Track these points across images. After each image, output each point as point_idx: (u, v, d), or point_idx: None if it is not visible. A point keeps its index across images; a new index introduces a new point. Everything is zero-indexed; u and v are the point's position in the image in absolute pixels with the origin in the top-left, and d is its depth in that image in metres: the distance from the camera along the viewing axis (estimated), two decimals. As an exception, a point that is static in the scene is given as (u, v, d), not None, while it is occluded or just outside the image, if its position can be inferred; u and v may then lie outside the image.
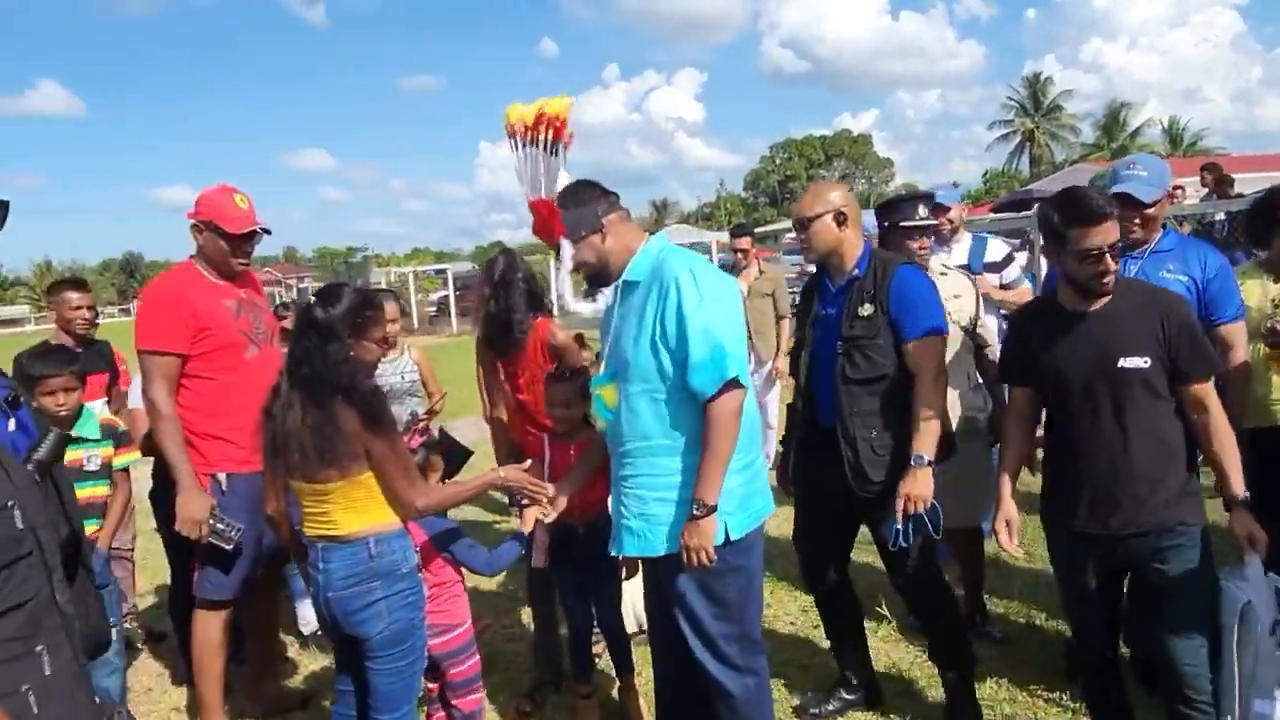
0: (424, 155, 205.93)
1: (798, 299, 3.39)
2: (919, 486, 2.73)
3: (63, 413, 3.11)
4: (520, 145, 2.34)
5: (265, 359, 3.18)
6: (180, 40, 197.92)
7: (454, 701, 2.94)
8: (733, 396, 2.32)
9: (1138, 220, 2.90)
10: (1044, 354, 2.49)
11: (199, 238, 3.13)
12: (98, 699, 2.84)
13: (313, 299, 2.54)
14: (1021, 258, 12.47)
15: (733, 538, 2.41)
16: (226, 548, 3.04)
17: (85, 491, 3.12)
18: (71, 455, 3.03)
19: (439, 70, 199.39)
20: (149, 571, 4.91)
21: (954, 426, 3.37)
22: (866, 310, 2.82)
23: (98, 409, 4.20)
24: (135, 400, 3.36)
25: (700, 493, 2.33)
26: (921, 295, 2.84)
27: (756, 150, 70.17)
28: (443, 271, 30.13)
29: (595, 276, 2.51)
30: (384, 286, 29.27)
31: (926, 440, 2.74)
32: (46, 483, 1.58)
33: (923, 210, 3.42)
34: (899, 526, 2.77)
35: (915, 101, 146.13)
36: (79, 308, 4.30)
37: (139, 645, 4.39)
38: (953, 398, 3.40)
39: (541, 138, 2.38)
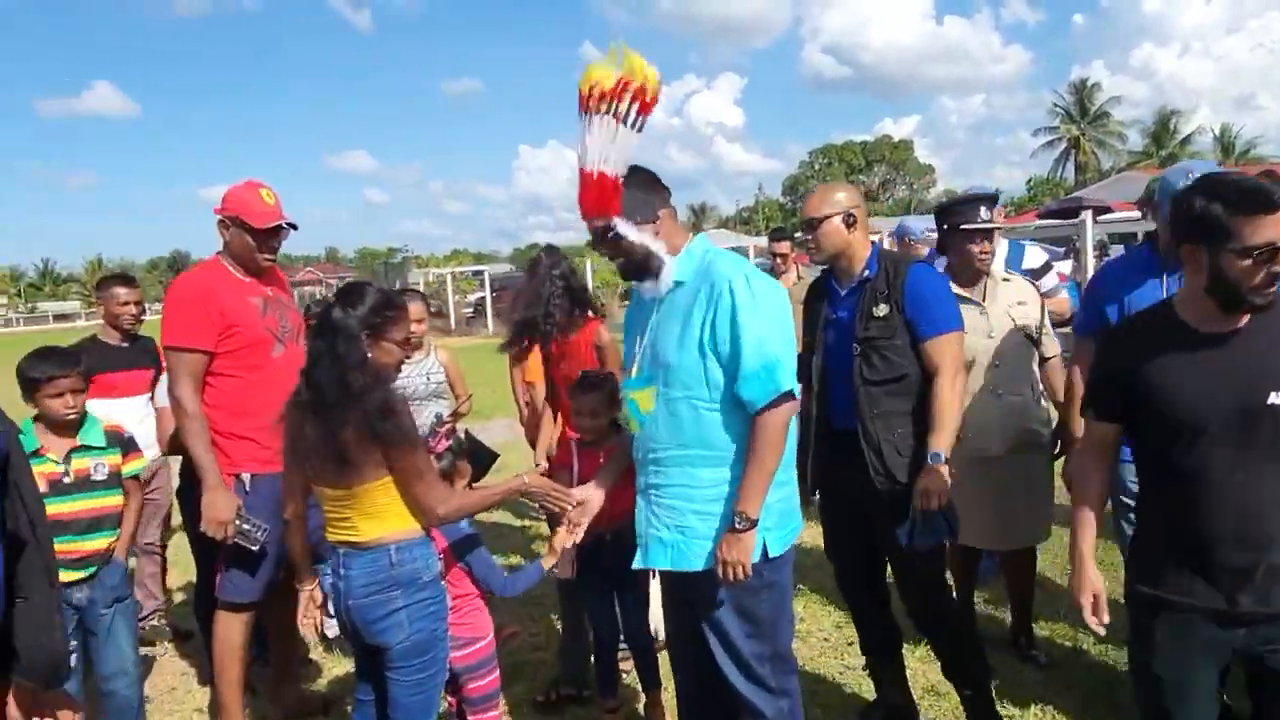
0: (464, 157, 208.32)
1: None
2: (936, 482, 2.67)
3: (71, 416, 2.91)
4: (592, 109, 2.16)
5: (291, 357, 3.09)
6: (230, 42, 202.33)
7: (471, 718, 2.85)
8: (785, 409, 2.25)
9: None
10: (1160, 385, 1.94)
11: (225, 233, 3.09)
12: (113, 708, 2.81)
13: (333, 298, 2.46)
14: (1064, 266, 12.28)
15: (770, 554, 2.33)
16: (252, 549, 2.99)
17: (96, 502, 2.95)
18: (78, 464, 2.93)
19: (479, 73, 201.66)
20: (180, 567, 4.90)
21: (1016, 438, 3.30)
22: (882, 310, 2.76)
23: (130, 409, 4.22)
24: (163, 398, 3.32)
25: (743, 505, 2.24)
26: (936, 293, 2.81)
27: (795, 155, 70.02)
28: (480, 273, 30.27)
29: (633, 270, 2.37)
30: (418, 287, 29.57)
31: (944, 437, 2.69)
32: (12, 495, 1.52)
33: (985, 212, 3.29)
34: (918, 523, 2.70)
35: (958, 107, 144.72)
36: (126, 303, 4.32)
37: (166, 643, 4.38)
38: (1014, 407, 3.31)
39: (622, 107, 2.18)
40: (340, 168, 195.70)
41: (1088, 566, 2.14)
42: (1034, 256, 4.28)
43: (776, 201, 67.88)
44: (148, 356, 4.33)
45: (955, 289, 3.31)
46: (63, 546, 2.75)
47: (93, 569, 2.94)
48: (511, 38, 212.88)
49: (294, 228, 3.16)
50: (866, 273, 2.81)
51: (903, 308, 2.74)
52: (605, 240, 2.31)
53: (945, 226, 3.37)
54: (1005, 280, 3.43)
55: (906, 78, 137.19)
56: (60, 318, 53.32)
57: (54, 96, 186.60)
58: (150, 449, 4.17)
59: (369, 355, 2.37)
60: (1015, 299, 3.37)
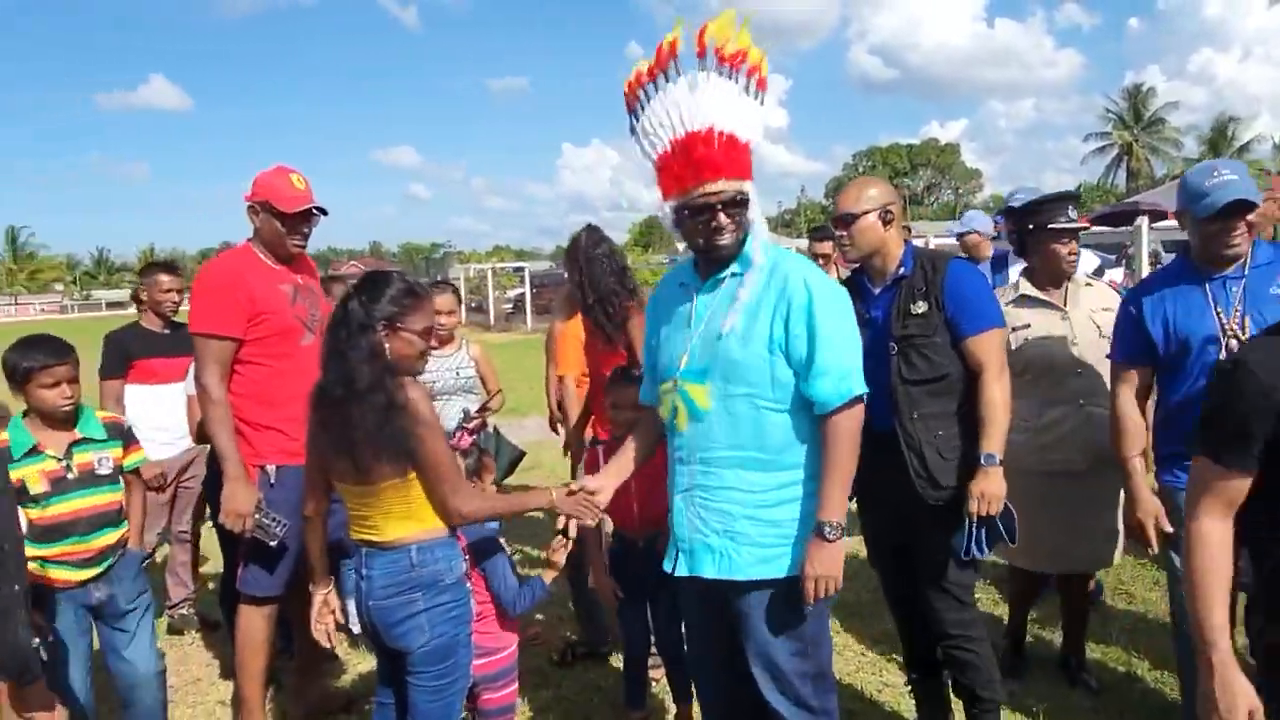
0: (508, 155, 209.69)
1: None
2: (992, 485, 2.54)
3: (67, 407, 2.71)
4: (710, 65, 2.05)
5: (320, 347, 3.06)
6: (281, 38, 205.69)
7: None
8: (857, 412, 2.16)
9: (1241, 230, 2.53)
10: None
11: (255, 219, 3.03)
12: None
13: (351, 289, 2.36)
14: (1115, 274, 11.90)
15: None
16: (270, 544, 2.92)
17: (102, 498, 2.78)
18: (81, 458, 2.75)
19: (525, 71, 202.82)
20: (215, 557, 4.88)
21: (1099, 452, 3.03)
22: (920, 308, 2.64)
23: (169, 395, 4.21)
24: (193, 386, 3.27)
25: (828, 514, 2.14)
26: (977, 290, 2.69)
27: (839, 158, 69.41)
28: (521, 269, 30.34)
29: (728, 249, 2.16)
30: (459, 282, 29.72)
31: (996, 438, 2.57)
32: None
33: (1071, 211, 3.14)
34: (974, 531, 2.56)
35: (1008, 111, 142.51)
36: (168, 290, 4.34)
37: (194, 632, 4.36)
38: (1098, 419, 3.05)
39: (740, 74, 2.08)
40: (386, 163, 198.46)
41: (1237, 679, 1.60)
42: (1086, 262, 4.12)
43: (819, 204, 67.31)
44: (188, 344, 4.30)
45: (1035, 292, 3.22)
46: (70, 547, 2.69)
47: (107, 562, 2.79)
48: (557, 35, 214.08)
49: (323, 213, 3.08)
50: (902, 270, 2.71)
51: (942, 305, 2.63)
52: (732, 206, 2.10)
53: (1031, 226, 3.20)
54: (1088, 285, 3.27)
55: (955, 80, 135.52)
56: (113, 305, 54.47)
57: (111, 91, 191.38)
58: (186, 437, 4.16)
59: (386, 347, 2.26)
60: (1099, 304, 3.20)
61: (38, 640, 1.62)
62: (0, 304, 59.92)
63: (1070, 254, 3.16)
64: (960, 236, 5.28)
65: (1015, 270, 3.97)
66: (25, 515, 2.61)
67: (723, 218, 2.10)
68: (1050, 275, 3.21)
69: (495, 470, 2.93)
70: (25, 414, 2.75)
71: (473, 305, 28.94)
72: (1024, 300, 3.23)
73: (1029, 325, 3.18)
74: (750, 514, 2.18)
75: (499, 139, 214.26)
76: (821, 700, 2.30)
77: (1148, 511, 2.64)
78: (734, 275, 2.20)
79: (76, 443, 2.76)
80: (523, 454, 4.02)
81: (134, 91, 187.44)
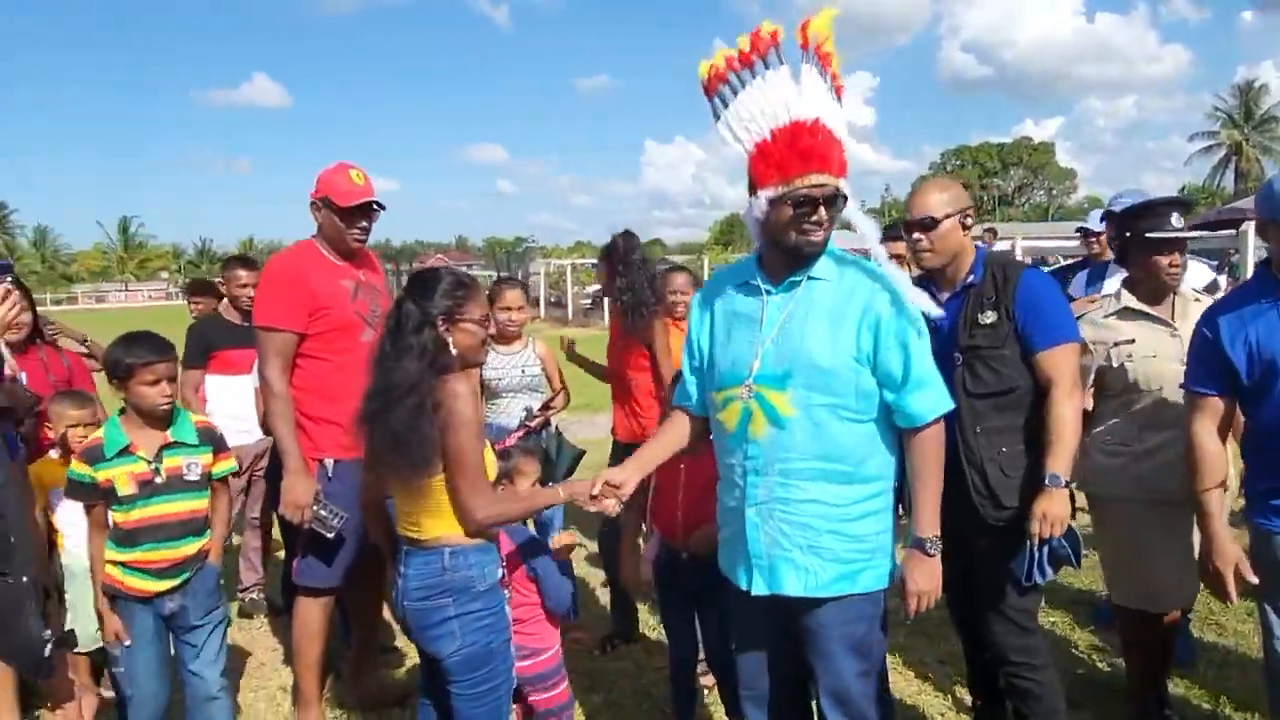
0: (592, 151, 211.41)
1: None
2: (1056, 506, 2.40)
3: (165, 406, 2.66)
4: (810, 60, 2.03)
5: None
6: (377, 37, 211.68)
7: None
8: (943, 425, 2.14)
9: None
10: None
11: (317, 215, 3.08)
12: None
13: (403, 290, 2.36)
14: (1222, 281, 11.09)
15: (881, 586, 2.18)
16: (328, 536, 2.96)
17: (187, 504, 2.72)
18: (170, 462, 2.70)
19: (610, 69, 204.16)
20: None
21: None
22: (989, 318, 2.52)
23: (245, 385, 4.33)
24: (258, 379, 3.34)
25: (926, 529, 2.14)
26: (1052, 301, 2.55)
27: (927, 157, 67.49)
28: (597, 265, 30.53)
29: (800, 249, 2.09)
30: (539, 277, 30.01)
31: (1062, 458, 2.43)
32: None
33: (1176, 219, 2.86)
34: (1036, 555, 2.43)
35: (1107, 109, 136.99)
36: (245, 285, 4.45)
37: (262, 617, 4.48)
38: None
39: (826, 76, 2.06)
40: (474, 159, 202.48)
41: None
42: (1198, 275, 3.80)
43: (903, 203, 65.90)
44: None
45: (1140, 305, 2.94)
46: (150, 554, 2.65)
47: (185, 575, 2.72)
48: (644, 33, 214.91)
49: (381, 207, 3.11)
50: (971, 278, 2.59)
51: (1013, 315, 2.51)
52: (830, 203, 2.04)
53: (1129, 234, 2.93)
54: (1196, 300, 2.96)
55: (1051, 78, 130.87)
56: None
57: (216, 88, 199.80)
58: (258, 429, 4.28)
59: (449, 341, 2.28)
60: None
61: (49, 632, 1.64)
62: (112, 290, 63.21)
63: (1172, 266, 2.87)
64: (1089, 236, 4.93)
65: (1113, 281, 3.69)
66: (111, 517, 2.65)
67: (823, 212, 2.04)
68: (1153, 288, 2.94)
69: (533, 471, 2.90)
70: (122, 412, 2.72)
71: (552, 300, 29.23)
72: (1127, 313, 2.95)
73: (1133, 340, 2.89)
74: (834, 528, 2.11)
75: (583, 136, 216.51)
76: None
77: (1226, 559, 2.40)
78: (811, 279, 2.12)
79: (168, 446, 2.70)
80: (582, 453, 3.99)
81: (237, 89, 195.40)
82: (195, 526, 2.75)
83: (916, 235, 2.59)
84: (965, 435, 2.51)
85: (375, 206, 3.08)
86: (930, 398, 2.10)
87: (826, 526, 2.10)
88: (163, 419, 2.70)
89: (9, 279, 3.12)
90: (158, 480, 2.66)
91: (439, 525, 2.28)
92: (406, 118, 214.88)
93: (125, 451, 2.63)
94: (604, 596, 4.44)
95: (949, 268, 2.62)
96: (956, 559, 2.63)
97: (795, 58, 2.07)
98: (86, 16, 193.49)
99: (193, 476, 2.73)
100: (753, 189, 2.08)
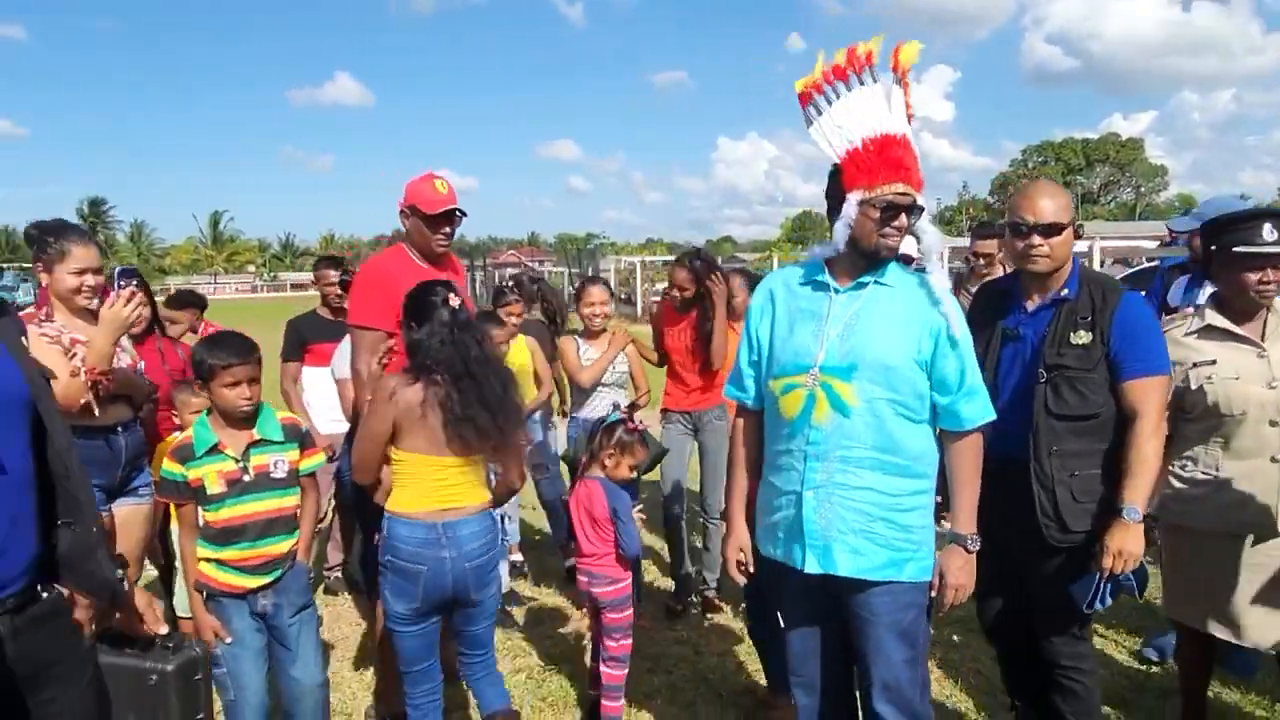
0: (663, 148, 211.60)
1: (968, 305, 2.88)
2: (1131, 542, 2.42)
3: (246, 408, 2.67)
4: (897, 81, 2.22)
5: None
6: (455, 37, 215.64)
7: (606, 643, 3.29)
8: (981, 435, 2.30)
9: None
10: None
11: (405, 222, 3.32)
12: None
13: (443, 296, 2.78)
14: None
15: (929, 577, 2.30)
16: None
17: (275, 502, 2.71)
18: (257, 460, 2.69)
19: (684, 65, 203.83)
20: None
21: None
22: (1082, 338, 2.51)
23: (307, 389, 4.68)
24: (340, 371, 3.63)
25: (964, 526, 2.28)
26: (1150, 329, 2.53)
27: (1009, 153, 65.89)
28: (669, 263, 30.65)
29: (877, 252, 2.22)
30: (609, 273, 30.29)
31: (1141, 491, 2.44)
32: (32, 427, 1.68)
33: (1269, 232, 2.61)
34: (1100, 586, 2.47)
35: (1203, 103, 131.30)
36: (332, 283, 4.77)
37: (345, 594, 4.79)
38: None
39: (905, 94, 2.24)
40: (547, 156, 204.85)
41: None
42: None
43: (983, 201, 64.23)
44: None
45: (1225, 324, 2.74)
46: (242, 553, 2.66)
47: (277, 573, 2.72)
48: (719, 28, 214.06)
49: (463, 214, 3.35)
50: (1065, 291, 2.57)
51: (1109, 339, 2.48)
52: (910, 212, 2.19)
53: (1215, 247, 2.72)
54: None
55: (1142, 70, 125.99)
56: (297, 287, 58.91)
57: (301, 87, 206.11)
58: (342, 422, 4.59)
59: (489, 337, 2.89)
60: None
61: (120, 571, 1.84)
62: (202, 283, 66.01)
63: (1262, 283, 2.65)
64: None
65: (1206, 293, 3.42)
66: (202, 516, 2.67)
67: (903, 219, 2.18)
68: (1240, 306, 2.74)
69: (640, 457, 3.36)
70: (209, 412, 2.75)
71: (622, 297, 29.52)
72: (1210, 332, 2.75)
73: (1214, 362, 2.71)
74: (885, 516, 2.23)
75: (655, 133, 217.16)
76: (926, 709, 2.33)
77: None
78: (879, 283, 2.25)
79: (254, 444, 2.70)
80: (665, 451, 4.22)
81: (320, 88, 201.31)
82: (285, 524, 2.74)
83: (1037, 240, 2.54)
84: (1039, 454, 2.53)
85: (457, 214, 3.31)
86: (979, 406, 2.25)
87: (879, 514, 2.22)
88: (246, 419, 2.70)
89: (134, 282, 3.46)
90: (246, 478, 2.67)
91: (481, 494, 2.77)
92: (483, 116, 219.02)
93: (214, 450, 2.64)
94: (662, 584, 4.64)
95: (1050, 277, 2.60)
96: (1007, 571, 2.68)
97: (894, 79, 2.25)
98: (180, 17, 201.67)
99: (279, 474, 2.73)
100: (838, 192, 2.22)
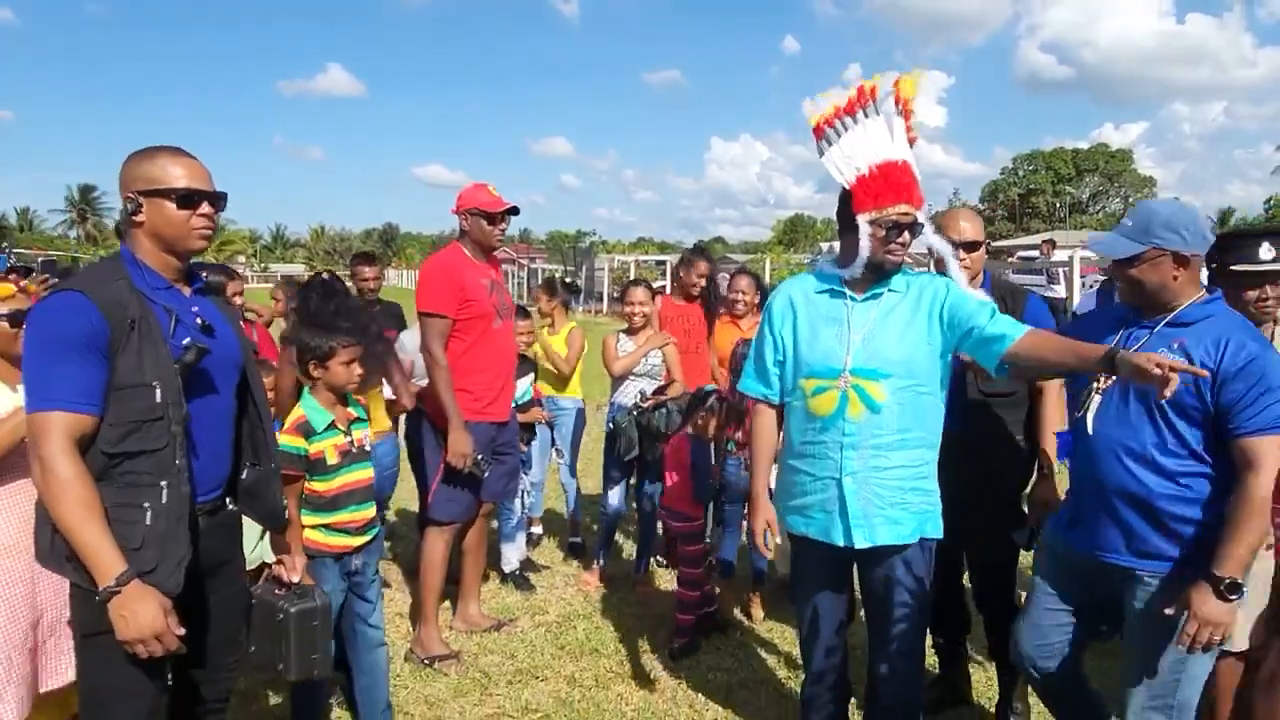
0: (655, 147, 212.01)
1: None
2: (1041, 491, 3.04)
3: (355, 384, 3.00)
4: (899, 111, 2.54)
5: (504, 330, 3.90)
6: (448, 29, 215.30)
7: (682, 568, 4.02)
8: None
9: None
10: None
11: (466, 223, 3.82)
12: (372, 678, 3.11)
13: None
14: None
15: (940, 535, 2.65)
16: (482, 477, 3.74)
17: (368, 472, 3.04)
18: (358, 434, 3.02)
19: (679, 64, 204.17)
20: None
21: None
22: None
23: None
24: (404, 350, 4.15)
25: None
26: (1048, 324, 2.98)
27: (1000, 160, 66.65)
28: (663, 263, 31.09)
29: (884, 265, 2.54)
30: (603, 272, 30.69)
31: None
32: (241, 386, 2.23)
33: (1266, 250, 2.65)
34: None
35: (1194, 114, 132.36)
36: (366, 278, 5.24)
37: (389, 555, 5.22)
38: None
39: (908, 123, 2.55)
40: (539, 153, 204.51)
41: None
42: None
43: (974, 208, 64.92)
44: (392, 319, 5.20)
45: None
46: (348, 516, 2.95)
47: (373, 531, 3.06)
48: (714, 28, 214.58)
49: (516, 211, 3.87)
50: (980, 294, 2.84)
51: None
52: (912, 230, 2.51)
53: (1214, 265, 2.72)
54: None
55: (1134, 80, 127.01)
56: (286, 278, 59.19)
57: (292, 78, 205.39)
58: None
59: None
60: None
61: (284, 501, 2.36)
62: (193, 271, 65.71)
63: (1262, 299, 2.66)
64: None
65: None
66: (312, 487, 2.90)
67: (906, 236, 2.51)
68: None
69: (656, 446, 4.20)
70: (310, 390, 2.98)
71: (615, 295, 29.90)
72: None
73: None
74: (914, 485, 2.58)
75: (648, 131, 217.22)
76: (920, 667, 2.77)
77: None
78: (890, 290, 2.59)
79: (354, 420, 3.01)
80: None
81: (312, 79, 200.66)
82: (371, 491, 3.06)
83: (961, 254, 2.95)
84: (976, 424, 3.09)
85: (515, 212, 3.86)
86: (1008, 322, 2.49)
87: (910, 485, 2.56)
88: (346, 398, 3.02)
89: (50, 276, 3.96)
90: (354, 450, 2.98)
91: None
92: (475, 110, 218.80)
93: (331, 426, 2.93)
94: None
95: (969, 284, 2.97)
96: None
97: (897, 110, 2.56)
98: (172, 2, 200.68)
99: (368, 446, 3.07)
100: (848, 213, 2.54)
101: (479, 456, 3.69)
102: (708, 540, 4.13)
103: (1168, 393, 2.00)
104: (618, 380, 4.96)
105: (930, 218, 2.61)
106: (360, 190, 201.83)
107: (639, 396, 4.70)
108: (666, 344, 4.90)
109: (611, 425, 4.83)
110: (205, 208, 2.08)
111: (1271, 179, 55.33)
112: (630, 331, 4.95)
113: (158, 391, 1.95)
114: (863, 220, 2.49)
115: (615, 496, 4.92)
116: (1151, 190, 68.03)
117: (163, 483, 1.97)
